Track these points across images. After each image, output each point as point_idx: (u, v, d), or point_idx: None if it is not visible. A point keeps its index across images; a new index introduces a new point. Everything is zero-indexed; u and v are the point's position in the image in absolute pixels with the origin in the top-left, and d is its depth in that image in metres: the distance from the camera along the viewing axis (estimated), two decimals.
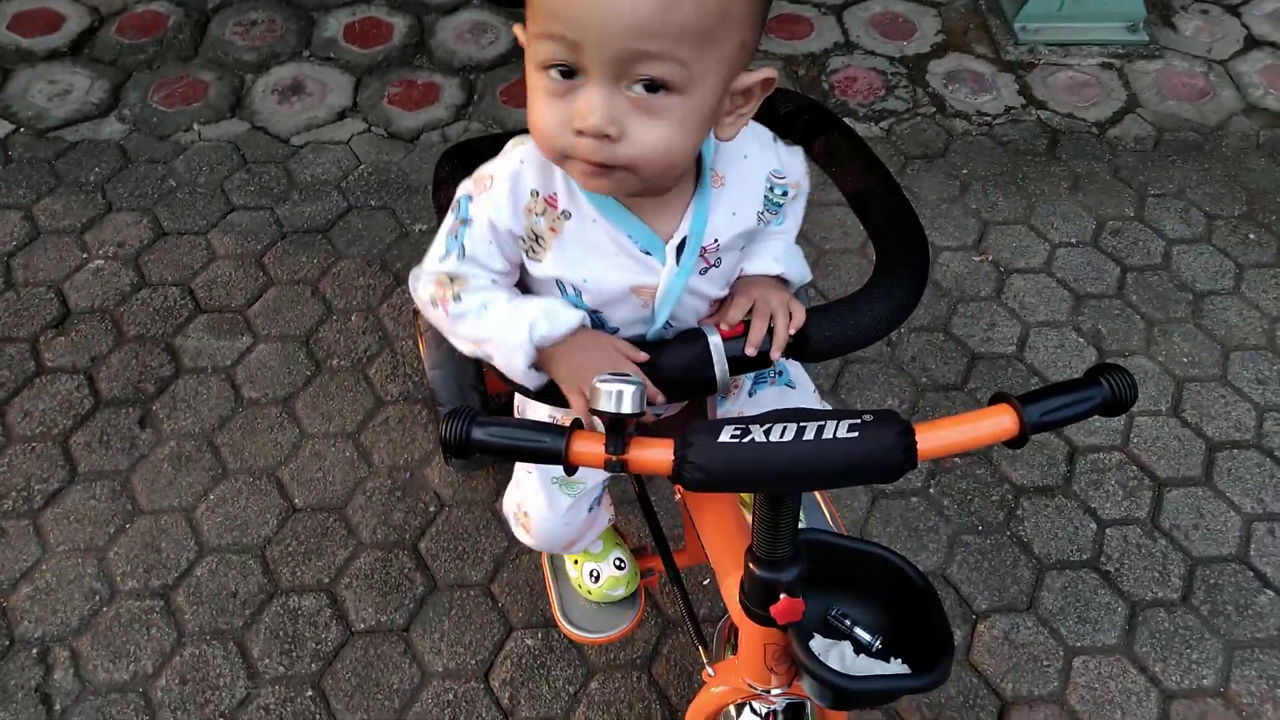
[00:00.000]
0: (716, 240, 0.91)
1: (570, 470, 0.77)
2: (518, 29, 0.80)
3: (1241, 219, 2.35)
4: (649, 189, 0.83)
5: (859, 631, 0.97)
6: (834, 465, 0.73)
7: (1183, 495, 1.88)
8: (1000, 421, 0.76)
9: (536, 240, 0.88)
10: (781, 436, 0.73)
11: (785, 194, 0.94)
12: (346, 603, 1.70)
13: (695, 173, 0.89)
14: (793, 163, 0.97)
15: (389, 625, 1.68)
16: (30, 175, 2.33)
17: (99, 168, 2.36)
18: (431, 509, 1.83)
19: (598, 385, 0.72)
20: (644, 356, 0.86)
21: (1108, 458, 1.93)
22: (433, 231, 0.95)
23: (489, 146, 0.94)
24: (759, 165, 0.92)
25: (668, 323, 0.94)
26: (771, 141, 0.95)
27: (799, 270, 1.00)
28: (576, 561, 1.48)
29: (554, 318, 0.86)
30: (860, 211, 1.03)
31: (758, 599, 0.93)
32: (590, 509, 1.24)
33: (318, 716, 1.58)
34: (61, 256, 2.18)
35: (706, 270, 0.93)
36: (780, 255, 0.98)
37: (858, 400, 2.00)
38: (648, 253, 0.89)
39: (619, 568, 1.45)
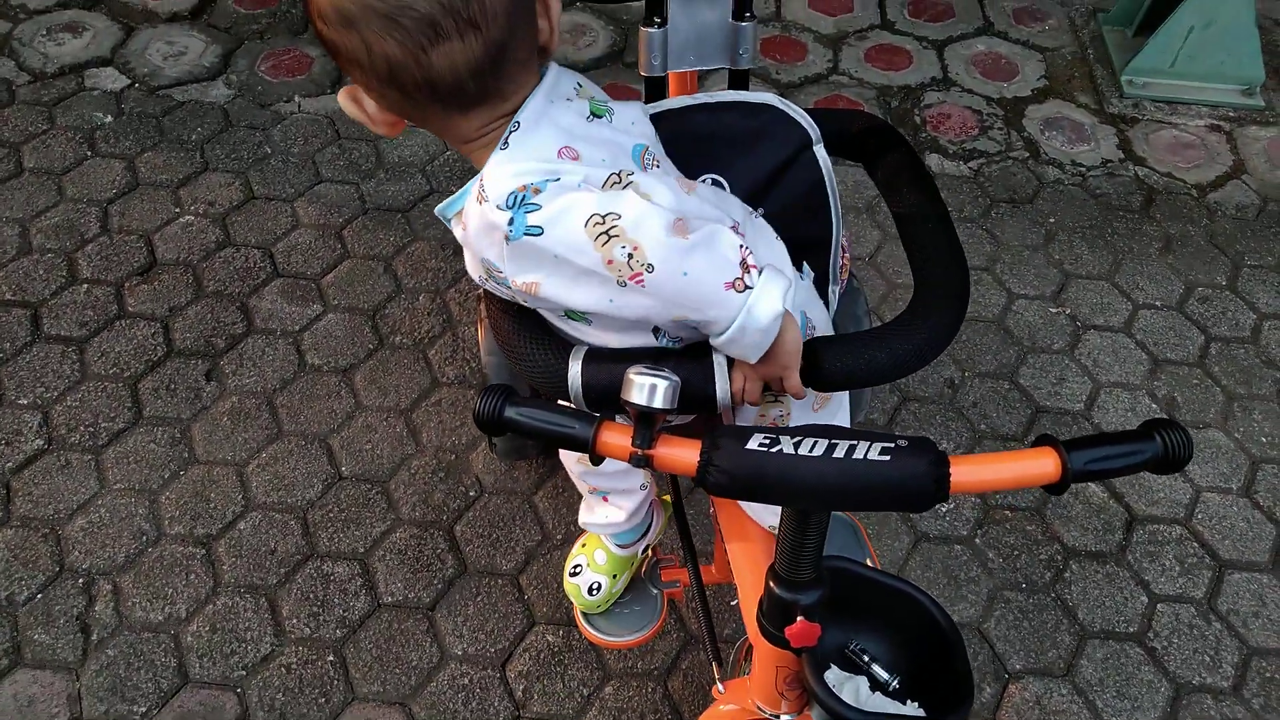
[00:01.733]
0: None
1: (596, 460, 0.76)
2: None
3: None
4: None
5: (876, 668, 0.95)
6: (861, 486, 0.71)
7: (1245, 580, 1.78)
8: (1042, 464, 0.73)
9: None
10: (811, 451, 0.71)
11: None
12: (378, 574, 1.73)
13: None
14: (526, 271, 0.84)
15: (415, 602, 1.70)
16: (137, 129, 2.44)
17: (201, 128, 2.45)
18: (471, 494, 1.84)
19: (632, 376, 0.72)
20: None
21: (1168, 530, 1.84)
22: None
23: None
24: (475, 243, 0.87)
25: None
26: (501, 240, 0.82)
27: (750, 347, 0.85)
28: (576, 570, 1.46)
29: None
30: (908, 245, 0.99)
31: (774, 619, 0.91)
32: None
33: (335, 682, 1.61)
34: (155, 208, 2.27)
35: None
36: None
37: None
38: None
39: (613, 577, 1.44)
